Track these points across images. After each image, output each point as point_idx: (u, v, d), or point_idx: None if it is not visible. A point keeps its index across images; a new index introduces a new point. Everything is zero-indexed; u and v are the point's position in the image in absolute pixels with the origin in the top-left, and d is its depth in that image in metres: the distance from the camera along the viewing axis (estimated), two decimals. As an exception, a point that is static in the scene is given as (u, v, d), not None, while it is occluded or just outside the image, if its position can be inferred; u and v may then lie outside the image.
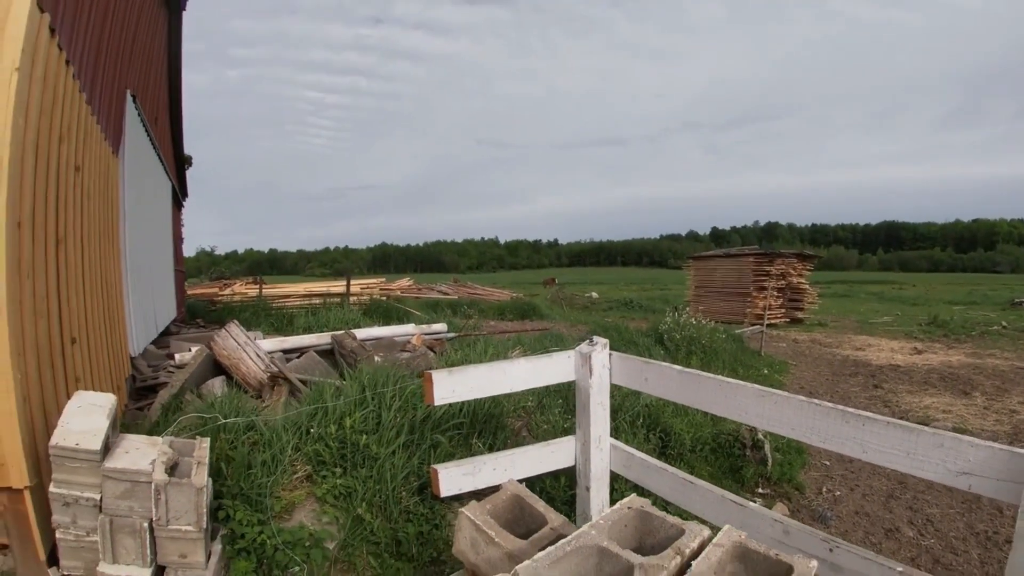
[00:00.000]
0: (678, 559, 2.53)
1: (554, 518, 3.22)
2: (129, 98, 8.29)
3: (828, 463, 7.99)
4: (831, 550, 2.99)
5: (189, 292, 22.58)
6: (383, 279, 25.06)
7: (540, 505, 3.35)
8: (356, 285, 20.81)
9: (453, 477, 4.09)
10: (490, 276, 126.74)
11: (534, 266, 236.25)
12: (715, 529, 2.79)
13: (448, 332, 10.59)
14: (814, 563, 2.47)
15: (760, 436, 7.16)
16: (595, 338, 4.42)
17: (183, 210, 19.39)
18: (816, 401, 3.01)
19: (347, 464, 4.88)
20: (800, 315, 26.44)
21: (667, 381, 3.93)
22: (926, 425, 9.57)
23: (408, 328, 9.93)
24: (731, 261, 26.78)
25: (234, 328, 7.48)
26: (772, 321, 24.09)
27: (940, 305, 37.39)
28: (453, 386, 4.01)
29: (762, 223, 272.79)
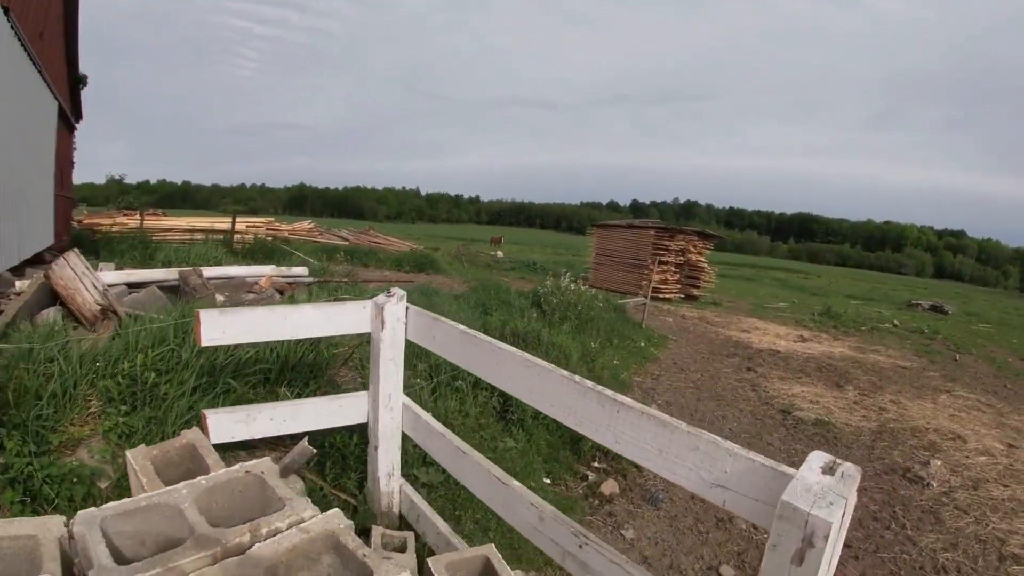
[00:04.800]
0: (246, 537, 2.22)
1: (220, 474, 2.84)
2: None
3: (677, 443, 7.75)
4: (580, 546, 2.62)
5: (84, 221, 21.58)
6: (271, 219, 24.19)
7: (211, 458, 3.00)
8: (242, 223, 20.04)
9: (224, 424, 3.71)
10: (406, 227, 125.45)
11: (453, 220, 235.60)
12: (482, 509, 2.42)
13: (308, 276, 10.08)
14: (405, 574, 2.11)
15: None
16: (393, 289, 4.01)
17: (75, 133, 18.31)
18: (577, 378, 2.55)
19: (135, 402, 4.55)
20: (696, 292, 26.53)
21: (451, 340, 3.49)
22: (788, 413, 9.51)
23: (265, 269, 9.42)
24: (633, 232, 26.44)
25: (72, 257, 6.99)
26: (667, 296, 24.14)
27: (839, 298, 38.22)
28: (224, 327, 3.62)
29: (682, 200, 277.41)
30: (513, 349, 2.98)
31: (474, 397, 6.37)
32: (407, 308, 3.94)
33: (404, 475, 4.61)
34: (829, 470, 1.80)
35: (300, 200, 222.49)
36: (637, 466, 6.72)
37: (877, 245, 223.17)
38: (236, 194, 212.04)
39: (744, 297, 30.98)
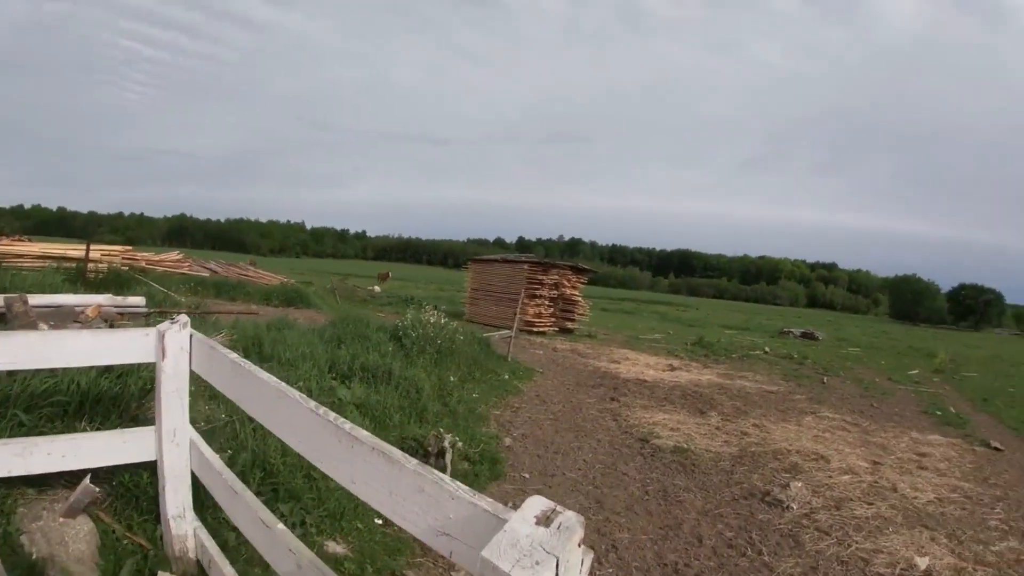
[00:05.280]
0: None
1: None
2: None
3: (528, 476, 7.47)
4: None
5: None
6: (129, 247, 23.30)
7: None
8: (97, 251, 19.19)
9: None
10: (290, 262, 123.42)
11: (338, 255, 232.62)
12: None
13: (144, 307, 9.56)
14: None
15: (446, 444, 6.56)
16: (179, 316, 3.70)
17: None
18: (321, 410, 2.26)
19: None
20: (570, 325, 26.58)
21: (224, 371, 3.21)
22: (647, 441, 9.42)
23: (97, 298, 8.88)
24: (507, 267, 26.51)
25: None
26: (542, 329, 24.15)
27: (714, 328, 39.02)
28: (-16, 353, 3.26)
29: (567, 238, 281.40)
30: (271, 379, 2.71)
31: (304, 434, 5.98)
32: (191, 336, 3.63)
33: (215, 517, 4.28)
34: (545, 520, 1.48)
35: (180, 231, 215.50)
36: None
37: (753, 278, 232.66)
38: (114, 223, 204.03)
39: (621, 329, 31.22)
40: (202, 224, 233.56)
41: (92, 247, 18.71)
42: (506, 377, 12.95)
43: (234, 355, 3.12)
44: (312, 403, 2.36)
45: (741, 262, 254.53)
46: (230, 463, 4.79)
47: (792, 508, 7.24)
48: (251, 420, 5.86)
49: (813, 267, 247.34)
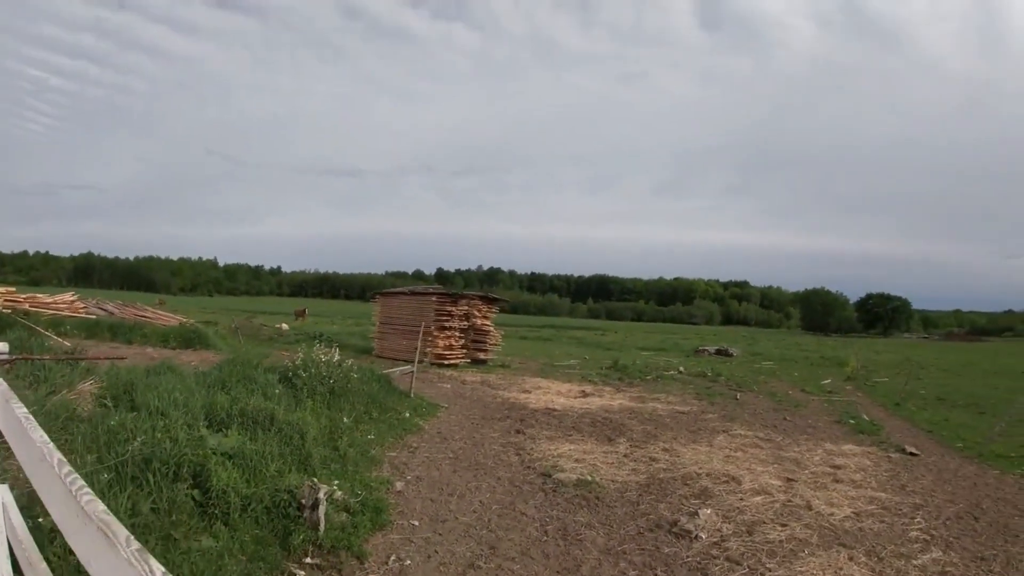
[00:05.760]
0: None
1: None
2: None
3: (417, 524, 7.05)
4: None
5: None
6: (12, 289, 22.35)
7: None
8: None
9: None
10: (200, 300, 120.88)
11: (253, 292, 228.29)
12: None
13: (6, 354, 8.92)
14: None
15: (321, 495, 6.10)
16: None
17: None
18: (72, 476, 1.91)
19: None
20: (482, 356, 26.09)
21: (14, 428, 2.84)
22: (550, 476, 9.08)
23: None
24: (415, 299, 25.92)
25: None
26: (453, 361, 23.75)
27: (631, 350, 39.23)
28: None
29: (485, 268, 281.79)
30: (40, 438, 2.36)
31: (161, 489, 5.51)
32: (-9, 386, 3.20)
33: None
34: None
35: (87, 270, 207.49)
36: (359, 557, 6.01)
37: (669, 299, 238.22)
38: (18, 262, 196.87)
39: (537, 357, 31.05)
40: (110, 262, 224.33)
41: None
42: (407, 415, 12.50)
43: (22, 410, 2.74)
44: (67, 468, 2.01)
45: (657, 285, 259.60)
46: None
47: (701, 538, 7.00)
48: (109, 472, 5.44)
49: (726, 286, 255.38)
